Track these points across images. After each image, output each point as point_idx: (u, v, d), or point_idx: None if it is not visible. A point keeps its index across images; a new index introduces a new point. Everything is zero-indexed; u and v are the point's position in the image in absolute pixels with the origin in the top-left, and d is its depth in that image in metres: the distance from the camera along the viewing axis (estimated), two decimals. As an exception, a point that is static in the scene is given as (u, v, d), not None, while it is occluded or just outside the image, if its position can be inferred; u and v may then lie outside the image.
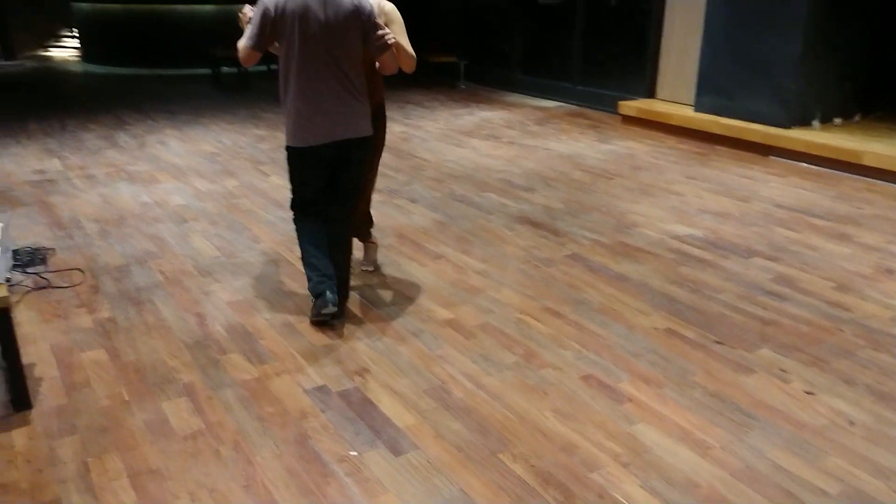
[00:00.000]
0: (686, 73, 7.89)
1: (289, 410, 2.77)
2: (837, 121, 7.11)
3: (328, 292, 3.30)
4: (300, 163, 3.38)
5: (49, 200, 5.25)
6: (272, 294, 3.76)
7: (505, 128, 7.96)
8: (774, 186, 5.79)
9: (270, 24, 3.19)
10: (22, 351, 2.80)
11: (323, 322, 3.40)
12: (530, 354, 3.19)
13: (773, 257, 4.32)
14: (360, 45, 3.27)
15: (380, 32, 3.26)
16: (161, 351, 3.20)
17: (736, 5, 6.97)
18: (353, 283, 3.83)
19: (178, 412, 2.75)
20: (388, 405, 2.81)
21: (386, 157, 6.45)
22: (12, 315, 2.76)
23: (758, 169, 6.32)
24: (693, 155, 6.80)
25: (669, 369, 3.08)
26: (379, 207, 5.04)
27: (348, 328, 3.41)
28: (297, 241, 3.52)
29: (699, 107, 7.49)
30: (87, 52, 12.66)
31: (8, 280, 3.66)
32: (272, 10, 3.16)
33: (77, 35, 13.11)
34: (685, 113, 7.54)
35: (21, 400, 2.76)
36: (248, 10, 3.38)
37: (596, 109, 8.91)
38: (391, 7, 3.52)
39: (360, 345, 3.26)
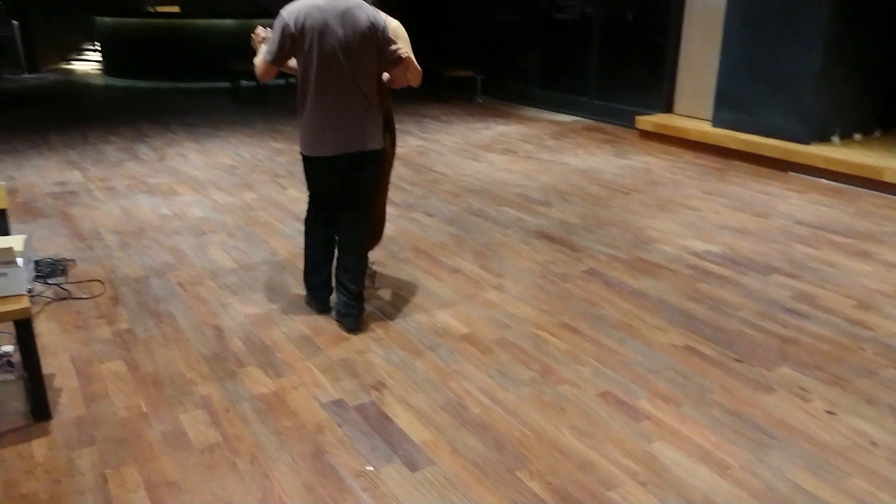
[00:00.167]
0: (704, 88, 7.86)
1: (305, 424, 2.77)
2: (857, 136, 7.05)
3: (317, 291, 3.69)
4: (313, 170, 3.51)
5: (70, 212, 5.32)
6: (289, 307, 3.77)
7: (521, 142, 7.97)
8: (793, 202, 5.75)
9: (290, 40, 3.24)
10: (42, 361, 2.82)
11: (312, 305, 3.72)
12: (547, 370, 3.18)
13: (792, 274, 4.28)
14: (374, 59, 3.34)
15: (393, 47, 3.33)
16: (179, 363, 3.22)
17: (754, 20, 6.95)
18: (368, 297, 3.84)
19: (195, 424, 2.76)
20: (404, 420, 2.80)
21: (403, 171, 6.50)
22: (33, 325, 2.79)
23: (776, 185, 6.28)
24: (711, 170, 6.77)
25: (688, 387, 3.06)
26: (396, 221, 5.06)
27: (364, 342, 3.42)
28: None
29: (717, 122, 7.46)
30: (108, 65, 12.83)
31: (30, 291, 3.71)
32: (292, 25, 3.21)
33: (99, 48, 13.28)
34: (703, 128, 7.51)
35: (41, 410, 2.78)
36: (260, 31, 3.46)
37: (613, 124, 8.90)
38: (396, 23, 3.62)
39: (377, 358, 3.26)
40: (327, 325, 3.57)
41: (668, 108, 8.39)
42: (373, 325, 3.58)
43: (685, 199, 5.82)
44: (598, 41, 9.17)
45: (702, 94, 7.91)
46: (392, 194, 5.59)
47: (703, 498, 2.39)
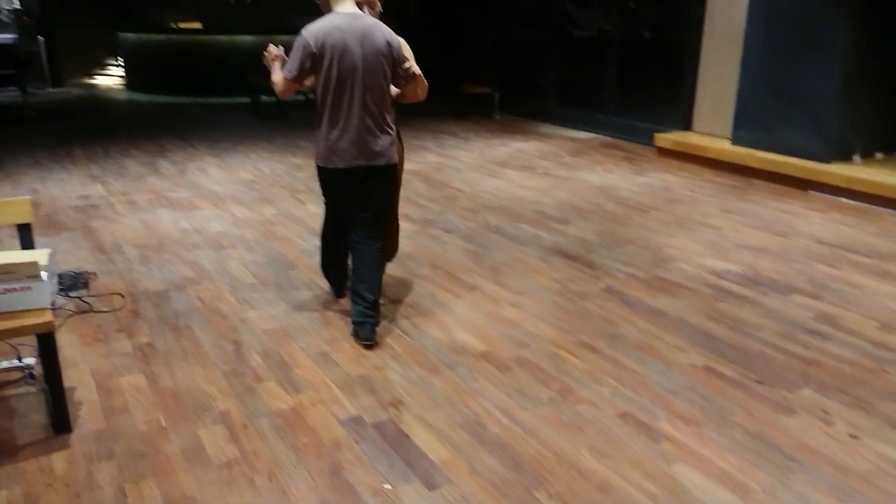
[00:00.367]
0: (723, 106, 7.84)
1: (323, 441, 2.77)
2: (879, 155, 7.00)
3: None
4: (327, 181, 3.62)
5: (92, 225, 5.38)
6: (308, 322, 3.79)
7: (539, 159, 7.98)
8: (814, 222, 5.70)
9: (310, 59, 3.33)
10: (63, 374, 2.84)
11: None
12: (566, 390, 3.16)
13: (813, 294, 4.23)
14: (388, 77, 3.46)
15: (406, 65, 3.45)
16: (198, 377, 3.23)
17: (774, 37, 6.93)
18: (386, 313, 3.85)
19: (214, 440, 2.77)
20: (422, 438, 2.79)
21: (420, 187, 6.52)
22: (56, 339, 2.82)
23: (797, 204, 6.23)
24: (730, 188, 6.73)
25: (708, 408, 3.02)
26: (414, 237, 5.07)
27: (382, 358, 3.42)
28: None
29: (736, 140, 7.43)
30: (131, 80, 13.02)
31: (52, 304, 3.74)
32: (312, 45, 3.31)
33: (122, 64, 13.49)
34: (722, 146, 7.48)
35: (62, 423, 2.80)
36: (272, 49, 3.53)
37: (631, 141, 8.89)
38: (402, 41, 3.66)
39: (395, 375, 3.26)
40: (345, 341, 3.58)
41: (686, 125, 8.37)
42: (390, 342, 3.58)
43: (704, 217, 5.79)
44: (616, 58, 9.18)
45: (721, 112, 7.89)
46: (410, 210, 5.62)
47: (724, 522, 2.36)
